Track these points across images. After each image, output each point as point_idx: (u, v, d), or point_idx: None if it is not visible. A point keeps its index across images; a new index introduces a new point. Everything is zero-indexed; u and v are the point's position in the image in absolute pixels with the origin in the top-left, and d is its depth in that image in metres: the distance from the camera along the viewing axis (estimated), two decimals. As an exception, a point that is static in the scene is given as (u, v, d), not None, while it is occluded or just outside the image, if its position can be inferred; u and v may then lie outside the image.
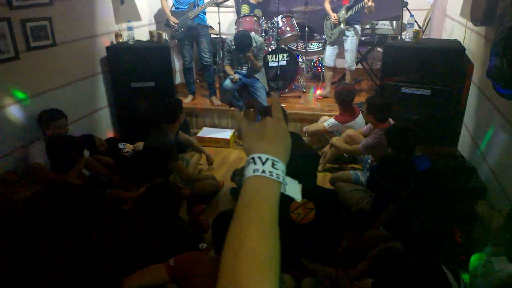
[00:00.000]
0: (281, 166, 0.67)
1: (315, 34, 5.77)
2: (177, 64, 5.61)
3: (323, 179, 3.56)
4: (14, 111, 3.00)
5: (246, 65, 4.35)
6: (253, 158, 0.67)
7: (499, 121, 2.41)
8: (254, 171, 0.66)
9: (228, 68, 4.34)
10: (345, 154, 3.74)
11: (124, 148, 3.62)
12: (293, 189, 0.70)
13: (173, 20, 4.38)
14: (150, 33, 4.28)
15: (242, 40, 4.04)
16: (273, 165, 0.66)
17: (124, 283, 1.72)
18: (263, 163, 0.66)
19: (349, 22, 4.29)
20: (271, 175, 0.65)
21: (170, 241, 2.18)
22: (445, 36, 4.24)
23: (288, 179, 0.70)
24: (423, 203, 2.05)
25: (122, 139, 3.88)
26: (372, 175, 2.85)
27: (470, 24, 3.07)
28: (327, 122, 3.77)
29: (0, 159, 2.89)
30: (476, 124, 2.93)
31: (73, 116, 3.59)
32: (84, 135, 3.24)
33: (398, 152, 2.53)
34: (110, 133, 4.23)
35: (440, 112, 3.33)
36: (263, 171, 0.65)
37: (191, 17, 4.40)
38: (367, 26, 4.87)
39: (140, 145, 3.57)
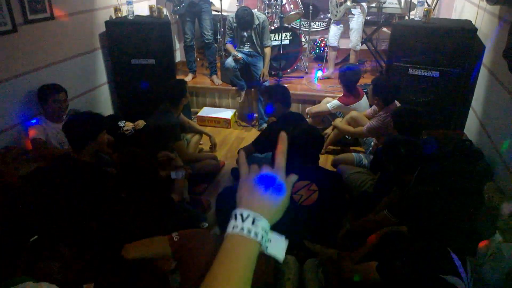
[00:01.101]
0: (262, 224, 0.65)
1: (320, 13, 5.63)
2: (177, 42, 5.48)
3: (325, 161, 3.52)
4: (12, 86, 2.93)
5: (248, 43, 4.24)
6: (235, 214, 0.65)
7: (510, 105, 2.34)
8: (233, 228, 0.64)
9: (229, 47, 4.23)
10: (347, 136, 3.69)
11: (124, 126, 3.56)
12: (277, 247, 0.67)
13: None
14: (150, 8, 4.15)
15: (244, 17, 3.93)
16: (253, 222, 0.64)
17: (123, 251, 1.62)
18: (243, 220, 0.64)
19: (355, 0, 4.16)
20: (249, 233, 0.63)
21: (170, 220, 2.14)
22: (454, 16, 4.12)
23: (274, 235, 0.67)
24: (430, 187, 2.01)
25: (122, 117, 3.81)
26: (376, 158, 2.81)
27: (482, 4, 2.97)
28: (330, 103, 3.70)
29: (-1, 134, 2.84)
30: (484, 107, 2.87)
31: (72, 92, 3.52)
32: (110, 115, 3.19)
33: (405, 135, 2.47)
34: (109, 111, 4.16)
35: (448, 94, 3.25)
36: (242, 229, 0.64)
37: (193, -8, 4.26)
38: (374, 5, 4.73)
39: (140, 123, 3.52)
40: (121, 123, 3.59)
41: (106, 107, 4.11)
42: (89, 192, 2.10)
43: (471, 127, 3.08)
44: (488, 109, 2.79)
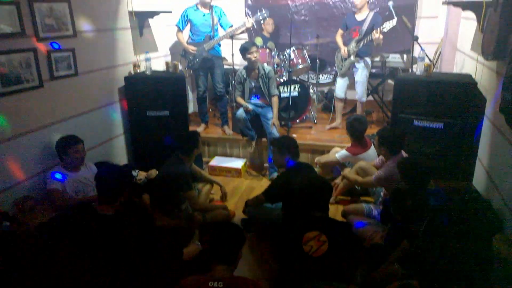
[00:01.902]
0: None
1: (327, 66, 5.88)
2: (190, 94, 5.73)
3: (335, 211, 3.53)
4: (34, 137, 3.08)
5: (257, 94, 4.44)
6: None
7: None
8: None
9: (240, 99, 4.43)
10: (357, 187, 3.73)
11: (137, 176, 3.66)
12: None
13: (192, 48, 4.52)
14: (167, 64, 4.41)
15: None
16: None
17: None
18: None
19: (359, 55, 4.38)
20: None
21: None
22: (456, 70, 4.29)
23: None
24: (438, 239, 2.03)
25: (136, 167, 3.93)
26: (385, 208, 2.83)
27: (481, 58, 3.12)
28: (339, 153, 3.79)
29: (18, 184, 2.96)
30: (490, 159, 2.91)
31: (90, 143, 3.68)
32: (124, 165, 3.28)
33: (412, 186, 2.52)
34: (124, 160, 4.29)
35: (453, 145, 3.32)
36: None
37: (206, 49, 4.54)
38: (378, 59, 4.96)
39: (153, 172, 3.62)
40: (134, 173, 3.70)
41: (121, 157, 4.25)
42: (106, 245, 2.15)
43: (479, 179, 3.12)
44: (494, 161, 2.83)
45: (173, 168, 3.20)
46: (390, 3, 4.22)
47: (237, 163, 4.48)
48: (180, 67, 4.49)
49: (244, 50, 4.23)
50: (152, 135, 4.14)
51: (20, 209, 2.86)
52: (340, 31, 4.60)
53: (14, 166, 2.93)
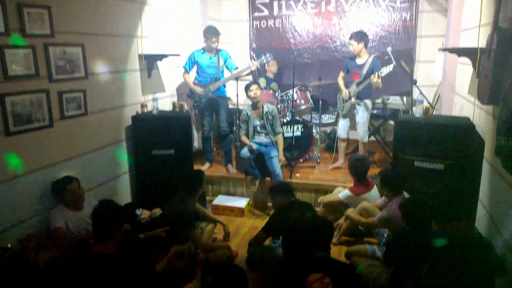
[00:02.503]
0: None
1: (329, 107, 6.03)
2: (195, 133, 5.85)
3: (338, 252, 3.51)
4: (41, 176, 3.14)
5: (262, 133, 4.54)
6: None
7: (514, 199, 2.42)
8: None
9: (244, 138, 4.52)
10: (360, 227, 3.72)
11: (140, 215, 3.68)
12: None
13: (198, 89, 4.67)
14: (173, 104, 4.55)
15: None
16: None
17: None
18: None
19: (359, 97, 4.51)
20: None
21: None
22: (455, 112, 4.39)
23: None
24: (441, 280, 2.02)
25: (139, 205, 3.95)
26: (388, 250, 2.82)
27: (478, 102, 3.21)
28: (342, 193, 3.81)
29: (21, 223, 2.97)
30: (491, 201, 2.93)
31: (95, 181, 3.74)
32: (127, 204, 3.30)
33: (414, 227, 2.53)
34: (128, 199, 4.33)
35: (455, 187, 3.35)
36: None
37: (212, 90, 4.69)
38: (379, 101, 5.09)
39: (157, 211, 3.64)
40: (138, 211, 3.72)
41: (125, 196, 4.29)
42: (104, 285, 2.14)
43: (481, 220, 3.12)
44: (495, 203, 2.85)
45: (176, 207, 3.23)
46: (389, 49, 4.41)
47: (241, 202, 4.50)
48: (186, 107, 4.62)
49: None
50: (157, 173, 4.19)
51: (24, 248, 2.86)
52: (341, 74, 4.77)
53: (20, 204, 2.97)
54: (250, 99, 4.44)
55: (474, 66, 3.31)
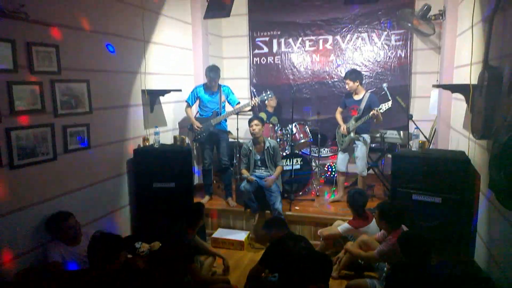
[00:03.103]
0: None
1: (328, 140, 6.11)
2: (195, 165, 5.90)
3: (338, 286, 3.47)
4: (40, 210, 3.15)
5: (262, 167, 4.59)
6: None
7: (511, 232, 2.44)
8: None
9: (244, 171, 4.57)
10: (360, 261, 3.70)
11: (140, 248, 3.67)
12: None
13: (197, 124, 4.78)
14: (175, 137, 4.64)
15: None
16: None
17: None
18: None
19: (358, 132, 4.60)
20: None
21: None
22: (451, 146, 4.46)
23: None
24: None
25: (139, 238, 3.95)
26: (388, 284, 2.80)
27: (472, 137, 3.29)
28: (341, 226, 3.82)
29: (18, 258, 2.95)
30: (489, 234, 2.94)
31: (94, 214, 3.76)
32: (127, 237, 3.29)
33: (413, 261, 2.53)
34: (127, 232, 4.32)
35: (453, 220, 3.37)
36: None
37: (213, 124, 4.80)
38: (377, 135, 5.18)
39: (156, 245, 3.63)
40: (137, 245, 3.71)
41: (125, 228, 4.29)
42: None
43: (479, 253, 3.11)
44: (493, 236, 2.86)
45: (176, 241, 3.23)
46: (385, 85, 4.55)
47: (240, 236, 4.49)
48: (187, 140, 4.70)
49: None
50: (157, 206, 4.22)
51: (22, 282, 2.85)
52: (339, 109, 4.88)
53: (20, 237, 2.98)
54: (251, 134, 4.54)
55: (467, 102, 3.41)
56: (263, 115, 5.83)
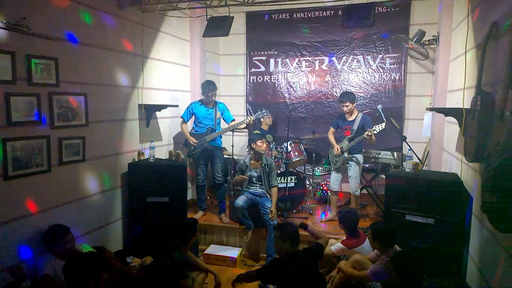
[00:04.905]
0: None
1: (322, 159, 6.15)
2: (189, 181, 5.89)
3: (330, 306, 3.44)
4: (32, 221, 3.12)
5: (257, 184, 4.60)
6: None
7: (502, 254, 2.46)
8: None
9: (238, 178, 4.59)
10: (353, 280, 3.68)
11: (131, 262, 3.64)
12: None
13: (192, 140, 4.80)
14: (170, 152, 4.65)
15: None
16: None
17: None
18: None
19: (351, 152, 4.65)
20: None
21: None
22: (444, 168, 4.52)
23: None
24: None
25: (130, 253, 3.91)
26: (381, 304, 2.80)
27: (464, 159, 3.34)
28: (334, 246, 3.81)
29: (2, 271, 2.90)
30: (480, 256, 2.96)
31: (87, 227, 3.73)
32: (118, 251, 3.21)
33: (405, 281, 2.53)
34: (119, 246, 4.27)
35: (445, 241, 3.39)
36: None
37: (208, 140, 4.82)
38: (371, 155, 5.23)
39: (148, 260, 3.60)
40: (129, 259, 3.68)
41: (116, 243, 4.24)
42: None
43: (471, 275, 3.13)
44: (484, 258, 2.88)
45: (168, 256, 3.20)
46: (379, 106, 4.63)
47: (233, 252, 4.45)
48: (182, 155, 4.71)
49: (251, 141, 4.53)
50: (150, 221, 4.19)
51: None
52: (331, 130, 4.93)
53: (13, 249, 2.95)
54: (255, 151, 4.53)
55: (460, 125, 3.48)
56: (258, 133, 5.87)
